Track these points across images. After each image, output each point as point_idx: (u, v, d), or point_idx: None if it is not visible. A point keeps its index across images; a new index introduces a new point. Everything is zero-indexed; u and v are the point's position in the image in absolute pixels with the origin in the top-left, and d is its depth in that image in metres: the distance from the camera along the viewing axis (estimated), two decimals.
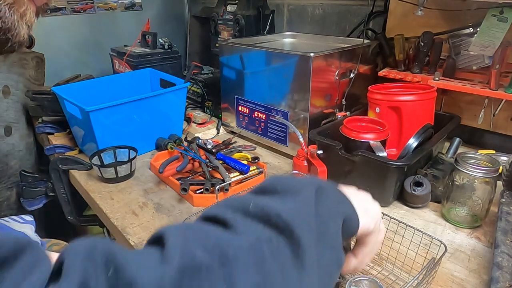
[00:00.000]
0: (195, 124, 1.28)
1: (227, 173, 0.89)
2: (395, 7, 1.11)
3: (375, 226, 0.44)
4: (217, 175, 0.91)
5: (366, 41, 1.07)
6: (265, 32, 1.46)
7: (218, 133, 1.24)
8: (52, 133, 1.26)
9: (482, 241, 0.70)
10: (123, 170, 0.94)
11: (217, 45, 1.38)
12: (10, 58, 1.38)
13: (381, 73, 1.09)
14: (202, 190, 0.84)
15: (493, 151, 0.95)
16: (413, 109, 0.89)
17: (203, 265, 0.27)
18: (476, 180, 0.70)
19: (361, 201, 0.43)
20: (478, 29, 0.88)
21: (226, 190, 0.84)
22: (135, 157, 0.98)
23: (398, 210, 0.80)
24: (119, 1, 1.85)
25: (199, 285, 0.26)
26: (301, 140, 0.91)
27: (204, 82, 1.39)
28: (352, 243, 0.49)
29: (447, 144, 0.95)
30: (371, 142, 0.80)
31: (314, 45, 1.25)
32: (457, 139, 0.92)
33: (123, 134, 1.03)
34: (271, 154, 1.10)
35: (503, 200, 0.71)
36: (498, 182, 0.71)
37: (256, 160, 0.98)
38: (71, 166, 1.02)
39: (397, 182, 0.79)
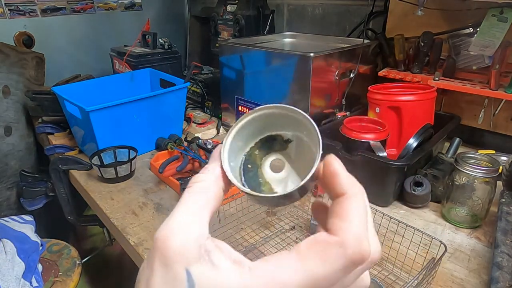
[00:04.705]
0: (195, 124, 1.28)
1: None
2: (395, 7, 1.11)
3: None
4: None
5: (366, 41, 1.07)
6: (265, 32, 1.46)
7: (218, 133, 1.24)
8: (52, 133, 1.26)
9: (482, 241, 0.70)
10: (123, 170, 0.94)
11: (217, 45, 1.38)
12: (10, 58, 1.38)
13: (381, 73, 1.09)
14: None
15: (493, 151, 0.95)
16: (413, 109, 0.89)
17: None
18: (476, 180, 0.70)
19: None
20: (478, 29, 0.88)
21: None
22: (135, 157, 0.98)
23: (398, 210, 0.80)
24: (119, 1, 1.85)
25: None
26: None
27: (204, 82, 1.39)
28: None
29: (447, 144, 0.95)
30: (371, 142, 0.80)
31: (314, 45, 1.25)
32: (457, 139, 0.92)
33: (123, 134, 1.03)
34: None
35: (503, 200, 0.71)
36: (498, 182, 0.71)
37: None
38: (71, 166, 1.02)
39: (397, 182, 0.79)
